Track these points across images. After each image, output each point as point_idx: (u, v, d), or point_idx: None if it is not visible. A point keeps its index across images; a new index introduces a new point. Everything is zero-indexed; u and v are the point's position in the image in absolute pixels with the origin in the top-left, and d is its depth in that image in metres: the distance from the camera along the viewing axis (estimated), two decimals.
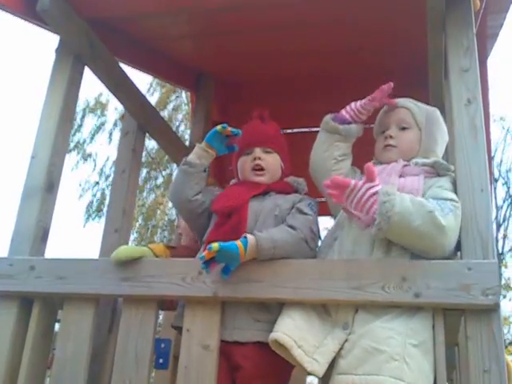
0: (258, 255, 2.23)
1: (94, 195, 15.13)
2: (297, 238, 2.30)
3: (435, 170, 2.38)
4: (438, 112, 2.59)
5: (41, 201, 2.74)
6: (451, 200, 2.17)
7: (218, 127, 2.49)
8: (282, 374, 2.33)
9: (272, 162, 2.62)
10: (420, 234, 2.07)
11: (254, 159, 2.60)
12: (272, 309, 2.28)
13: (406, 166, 2.39)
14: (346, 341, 2.11)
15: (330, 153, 2.49)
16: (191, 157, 2.55)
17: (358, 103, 2.49)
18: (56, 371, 2.39)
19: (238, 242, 2.20)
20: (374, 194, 2.07)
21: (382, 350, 1.99)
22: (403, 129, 2.49)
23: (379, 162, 2.50)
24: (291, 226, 2.34)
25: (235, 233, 2.36)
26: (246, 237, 2.23)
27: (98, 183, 15.15)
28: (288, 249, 2.27)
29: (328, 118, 2.52)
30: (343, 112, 2.51)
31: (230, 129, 2.48)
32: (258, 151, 2.61)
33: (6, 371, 2.43)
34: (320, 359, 2.09)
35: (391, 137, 2.48)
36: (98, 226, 14.92)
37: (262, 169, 2.60)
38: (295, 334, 2.11)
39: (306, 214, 2.42)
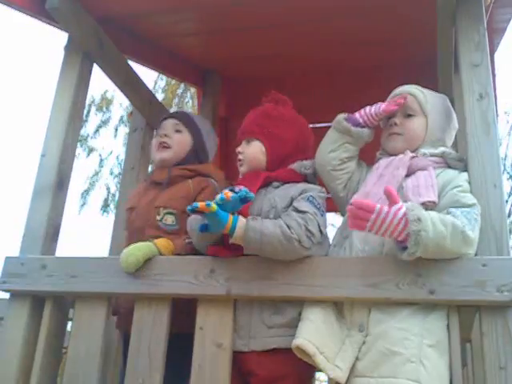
0: (244, 243, 2.19)
1: (92, 184, 14.99)
2: (288, 236, 2.18)
3: (444, 160, 2.35)
4: (445, 99, 2.54)
5: (51, 199, 2.74)
6: (473, 206, 2.14)
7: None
8: (300, 377, 2.25)
9: (248, 151, 2.56)
10: (451, 252, 2.06)
11: (238, 154, 2.60)
12: (284, 311, 2.26)
13: (413, 157, 2.35)
14: (364, 343, 2.09)
15: (337, 153, 2.44)
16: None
17: (373, 110, 2.42)
18: (69, 370, 2.38)
19: (230, 220, 2.16)
20: (403, 216, 1.99)
21: (398, 352, 1.99)
22: (408, 116, 2.43)
23: (386, 153, 2.47)
24: (286, 224, 2.22)
25: None
26: (237, 218, 2.19)
27: (97, 173, 15.04)
28: (277, 245, 2.18)
29: (341, 117, 2.46)
30: (357, 115, 2.45)
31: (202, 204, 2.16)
32: (241, 145, 2.59)
33: (19, 370, 2.43)
34: (342, 365, 2.06)
35: (396, 124, 2.44)
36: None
37: (240, 159, 2.58)
38: (317, 339, 2.08)
39: (302, 212, 2.27)
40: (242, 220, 2.20)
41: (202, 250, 2.38)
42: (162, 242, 2.48)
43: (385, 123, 2.52)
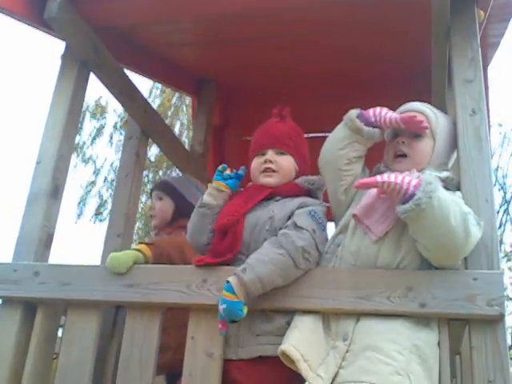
0: (248, 297, 2.16)
1: (88, 192, 15.01)
2: (283, 263, 2.18)
3: (445, 185, 2.27)
4: (453, 123, 2.45)
5: (45, 206, 2.75)
6: (475, 216, 2.11)
7: (219, 167, 2.50)
8: None
9: (284, 164, 2.49)
10: (450, 230, 1.98)
11: (265, 162, 2.49)
12: (273, 319, 2.26)
13: (419, 177, 2.23)
14: (347, 352, 2.07)
15: (345, 152, 2.31)
16: (208, 199, 2.47)
17: (389, 115, 2.28)
18: (60, 377, 2.38)
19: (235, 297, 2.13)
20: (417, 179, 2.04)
21: (388, 362, 1.97)
22: (417, 136, 2.34)
23: (387, 167, 2.38)
24: (280, 245, 2.22)
25: (230, 251, 2.32)
26: (228, 282, 2.15)
27: (93, 182, 15.06)
28: (276, 277, 2.18)
29: (353, 114, 2.30)
30: (370, 113, 2.31)
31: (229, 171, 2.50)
32: (270, 153, 2.49)
33: (10, 377, 2.43)
34: (324, 375, 2.05)
35: (403, 143, 2.35)
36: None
37: (270, 168, 2.49)
38: (303, 347, 2.08)
39: (301, 228, 2.26)
40: (233, 281, 2.14)
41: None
42: (142, 246, 2.64)
43: (390, 138, 2.44)
